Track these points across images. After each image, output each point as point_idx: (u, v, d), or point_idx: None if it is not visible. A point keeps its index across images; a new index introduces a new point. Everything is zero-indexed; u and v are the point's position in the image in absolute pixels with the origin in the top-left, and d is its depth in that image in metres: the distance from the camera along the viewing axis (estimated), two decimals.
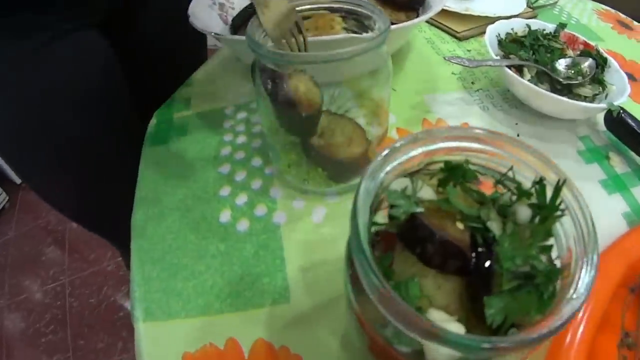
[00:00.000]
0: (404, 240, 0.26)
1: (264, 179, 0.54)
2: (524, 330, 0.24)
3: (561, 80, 0.61)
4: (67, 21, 0.59)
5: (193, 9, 0.59)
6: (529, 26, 0.67)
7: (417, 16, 0.64)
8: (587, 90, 0.61)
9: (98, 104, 0.65)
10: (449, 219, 0.28)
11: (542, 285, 0.25)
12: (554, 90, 0.61)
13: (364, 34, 0.48)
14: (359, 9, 0.45)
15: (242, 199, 0.52)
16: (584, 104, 0.56)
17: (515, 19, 0.68)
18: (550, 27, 0.68)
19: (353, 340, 0.38)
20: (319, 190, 0.51)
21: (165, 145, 0.59)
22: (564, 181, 0.28)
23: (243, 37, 0.56)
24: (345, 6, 0.48)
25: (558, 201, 0.28)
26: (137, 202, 0.53)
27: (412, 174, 0.29)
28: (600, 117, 0.61)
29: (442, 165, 0.30)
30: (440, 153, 0.29)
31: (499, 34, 0.66)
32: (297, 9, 0.46)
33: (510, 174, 0.30)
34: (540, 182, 0.28)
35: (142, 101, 0.74)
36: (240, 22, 0.63)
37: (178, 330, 0.42)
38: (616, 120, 0.57)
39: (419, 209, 0.26)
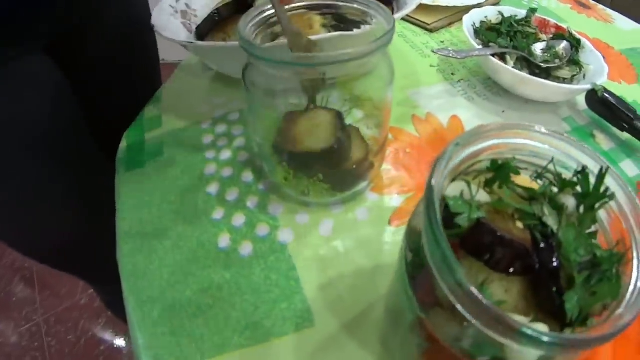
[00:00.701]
0: (471, 248, 0.26)
1: (260, 195, 0.52)
2: (598, 317, 0.25)
3: (541, 64, 0.63)
4: (10, 47, 0.54)
5: (156, 20, 0.56)
6: (501, 13, 0.69)
7: (393, 11, 0.64)
8: (565, 72, 0.64)
9: (51, 137, 0.60)
10: (508, 219, 0.27)
11: (608, 272, 0.26)
12: (533, 74, 0.63)
13: (356, 30, 0.47)
14: (351, 4, 0.44)
15: (239, 219, 0.50)
16: (570, 86, 0.59)
17: (488, 6, 0.70)
18: (521, 12, 0.70)
19: (397, 356, 0.37)
20: (322, 201, 0.50)
21: (141, 169, 0.56)
22: (607, 168, 0.28)
23: (222, 43, 0.53)
24: (328, 2, 0.47)
25: (603, 188, 0.28)
26: (120, 236, 0.49)
27: (457, 177, 0.29)
28: (579, 97, 0.64)
29: (485, 164, 0.30)
30: (485, 152, 0.29)
31: (474, 23, 0.68)
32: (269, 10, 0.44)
33: (550, 166, 0.30)
34: (583, 171, 0.29)
35: (99, 127, 0.69)
36: (207, 29, 0.61)
37: None
38: (599, 99, 0.59)
39: (481, 214, 0.26)
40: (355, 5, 0.44)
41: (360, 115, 0.49)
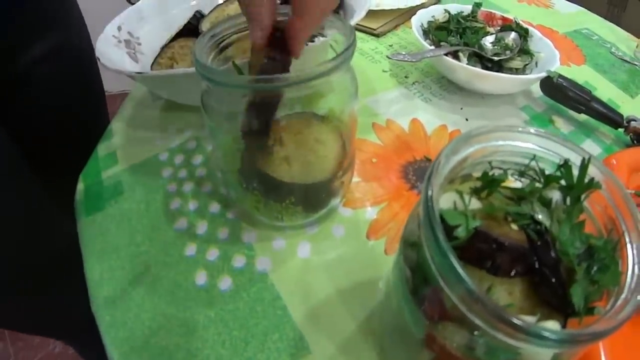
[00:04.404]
0: (472, 258, 0.26)
1: (230, 225, 0.50)
2: (600, 305, 0.25)
3: (492, 57, 0.65)
4: None
5: (100, 52, 0.54)
6: (448, 11, 0.70)
7: None
8: (517, 63, 0.66)
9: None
10: (502, 222, 0.27)
11: (607, 259, 0.26)
12: (485, 68, 0.65)
13: (310, 44, 0.47)
14: None
15: (213, 253, 0.48)
16: (526, 76, 0.61)
17: (434, 6, 0.71)
18: (467, 8, 0.72)
19: None
20: (296, 224, 0.49)
21: (102, 211, 0.53)
22: (589, 158, 0.29)
23: (172, 71, 0.51)
24: None
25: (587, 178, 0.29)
26: (91, 286, 0.46)
27: (445, 186, 0.29)
28: (534, 85, 0.66)
29: (468, 169, 0.30)
30: (470, 158, 0.29)
31: (422, 24, 0.69)
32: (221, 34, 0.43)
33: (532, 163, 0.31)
34: (565, 164, 0.29)
35: (49, 172, 0.67)
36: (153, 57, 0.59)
37: None
38: (554, 85, 0.61)
39: (477, 223, 0.26)
40: None
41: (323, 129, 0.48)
